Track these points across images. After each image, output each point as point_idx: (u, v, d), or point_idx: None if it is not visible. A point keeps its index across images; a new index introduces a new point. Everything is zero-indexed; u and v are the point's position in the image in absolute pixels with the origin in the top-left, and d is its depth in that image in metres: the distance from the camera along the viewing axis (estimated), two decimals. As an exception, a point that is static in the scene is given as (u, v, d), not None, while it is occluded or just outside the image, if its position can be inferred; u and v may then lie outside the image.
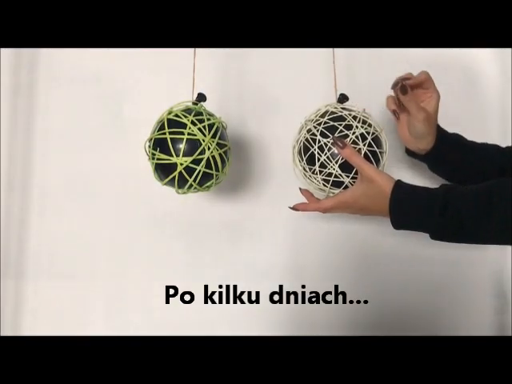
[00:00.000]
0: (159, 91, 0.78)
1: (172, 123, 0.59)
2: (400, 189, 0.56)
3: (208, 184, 0.61)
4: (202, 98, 0.63)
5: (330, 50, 0.68)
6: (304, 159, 0.62)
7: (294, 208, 0.64)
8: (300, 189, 0.65)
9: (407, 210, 0.55)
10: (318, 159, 0.59)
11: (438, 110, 0.64)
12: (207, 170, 0.59)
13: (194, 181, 0.58)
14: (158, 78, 0.79)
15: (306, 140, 0.61)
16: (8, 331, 0.79)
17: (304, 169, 0.62)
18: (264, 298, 0.80)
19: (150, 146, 0.61)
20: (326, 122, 0.60)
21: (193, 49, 0.64)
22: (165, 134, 0.58)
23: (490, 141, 0.80)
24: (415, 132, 0.64)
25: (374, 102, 0.79)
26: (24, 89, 0.80)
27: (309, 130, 0.62)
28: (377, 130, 0.61)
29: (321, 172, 0.60)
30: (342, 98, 0.63)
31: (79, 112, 0.80)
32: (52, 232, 0.80)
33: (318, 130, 0.60)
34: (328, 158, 0.59)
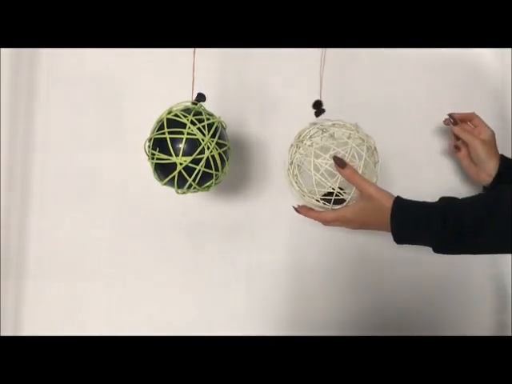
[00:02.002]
0: (159, 91, 0.78)
1: (171, 123, 0.59)
2: (400, 205, 0.57)
3: (208, 184, 0.61)
4: (201, 97, 0.63)
5: (331, 49, 0.68)
6: (300, 181, 0.63)
7: (297, 210, 0.65)
8: (295, 208, 0.66)
9: (408, 225, 0.56)
10: (315, 180, 0.60)
11: (494, 139, 0.70)
12: (207, 170, 0.59)
13: (194, 180, 0.58)
14: (157, 78, 0.79)
15: (301, 162, 0.62)
16: (8, 331, 0.79)
17: (302, 190, 0.63)
18: (264, 297, 0.80)
19: (149, 146, 0.61)
20: (317, 142, 0.61)
21: (193, 49, 0.65)
22: (164, 133, 0.58)
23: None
24: (477, 158, 0.69)
25: (374, 101, 0.79)
26: (24, 89, 0.80)
27: (302, 152, 0.62)
28: (370, 143, 0.62)
29: (319, 192, 0.61)
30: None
31: (79, 112, 0.80)
32: (52, 232, 0.80)
33: (311, 152, 0.61)
34: (325, 178, 0.60)
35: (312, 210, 0.64)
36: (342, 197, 0.61)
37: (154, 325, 0.80)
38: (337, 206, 0.62)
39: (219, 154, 0.60)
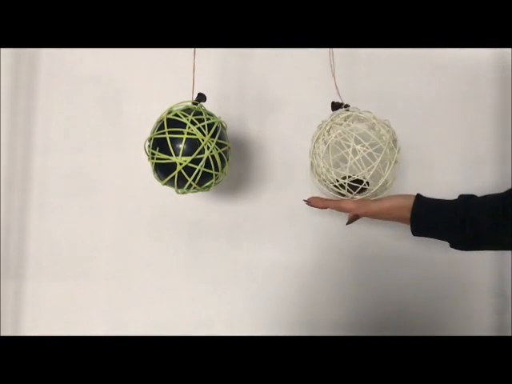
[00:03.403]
0: (159, 91, 0.78)
1: (171, 123, 0.59)
2: (421, 202, 0.58)
3: (207, 184, 0.61)
4: (201, 97, 0.63)
5: (331, 49, 0.68)
6: (331, 162, 0.62)
7: (310, 203, 0.65)
8: (306, 201, 0.66)
9: (428, 223, 0.57)
10: (350, 165, 0.60)
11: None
12: (207, 170, 0.59)
13: (194, 180, 0.58)
14: (158, 78, 0.79)
15: (337, 143, 0.62)
16: (8, 331, 0.79)
17: (328, 171, 0.62)
18: (264, 297, 0.80)
19: (149, 146, 0.61)
20: (357, 129, 0.61)
21: (193, 49, 0.65)
22: (164, 133, 0.58)
23: (489, 140, 0.80)
24: None
25: (372, 100, 0.79)
26: (24, 89, 0.80)
27: (340, 134, 0.61)
28: (394, 134, 0.62)
29: (349, 177, 0.61)
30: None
31: (79, 112, 0.80)
32: (52, 232, 0.80)
33: (351, 136, 0.60)
34: (361, 164, 0.60)
35: (325, 199, 0.64)
36: (367, 187, 0.61)
37: (154, 325, 0.80)
38: (358, 195, 0.62)
39: (219, 154, 0.60)
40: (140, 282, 0.80)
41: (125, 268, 0.80)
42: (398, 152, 0.62)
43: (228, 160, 0.63)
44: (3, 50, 0.78)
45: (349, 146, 0.60)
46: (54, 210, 0.80)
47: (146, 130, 0.62)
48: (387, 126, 0.62)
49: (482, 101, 0.80)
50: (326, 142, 0.62)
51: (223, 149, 0.61)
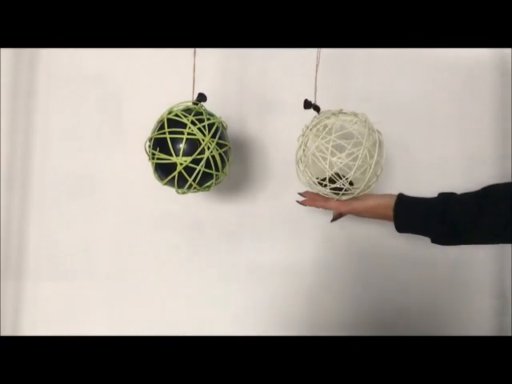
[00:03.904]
0: (159, 91, 0.78)
1: (172, 123, 0.59)
2: (402, 201, 0.62)
3: (208, 184, 0.61)
4: (202, 97, 0.63)
5: (331, 50, 0.68)
6: (313, 174, 0.63)
7: (302, 197, 0.66)
8: (300, 194, 0.67)
9: (409, 220, 0.61)
10: (329, 176, 0.61)
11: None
12: (207, 170, 0.59)
13: (194, 180, 0.58)
14: (157, 78, 0.79)
15: (314, 155, 0.63)
16: (8, 331, 0.79)
17: (313, 182, 0.63)
18: (264, 297, 0.80)
19: (150, 146, 0.61)
20: (334, 140, 0.61)
21: (193, 49, 0.64)
22: (165, 133, 0.58)
23: (489, 141, 0.80)
24: None
25: (372, 100, 0.79)
26: (24, 89, 0.80)
27: (317, 147, 0.62)
28: (379, 138, 0.62)
29: (332, 184, 0.62)
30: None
31: (79, 112, 0.80)
32: (52, 232, 0.80)
33: (327, 149, 0.61)
34: (338, 175, 0.61)
35: (317, 196, 0.65)
36: (350, 192, 0.62)
37: (154, 325, 0.80)
38: (344, 197, 0.63)
39: (219, 154, 0.60)
40: (140, 281, 0.80)
41: (125, 268, 0.80)
42: (379, 155, 0.62)
43: (228, 160, 0.63)
44: (3, 50, 0.78)
45: (325, 159, 0.61)
46: (54, 210, 0.80)
47: (147, 130, 0.62)
48: (365, 121, 0.62)
49: (482, 101, 0.80)
50: (305, 155, 0.63)
51: (223, 149, 0.61)
